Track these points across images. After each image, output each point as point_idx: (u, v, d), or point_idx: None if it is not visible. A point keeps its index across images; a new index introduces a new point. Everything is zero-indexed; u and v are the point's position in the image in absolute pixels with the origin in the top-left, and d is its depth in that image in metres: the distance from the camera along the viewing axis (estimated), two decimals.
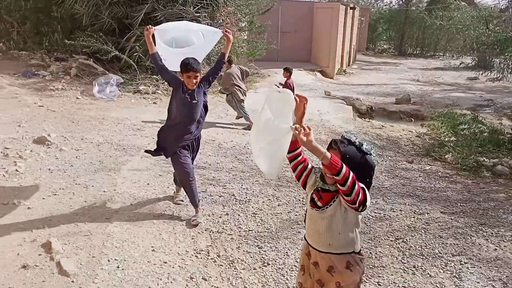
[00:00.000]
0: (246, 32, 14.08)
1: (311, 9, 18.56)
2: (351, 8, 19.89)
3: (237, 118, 8.48)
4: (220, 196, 5.10)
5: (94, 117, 7.75)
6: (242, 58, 13.92)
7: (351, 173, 2.14)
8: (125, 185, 5.17)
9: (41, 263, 3.54)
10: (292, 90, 8.65)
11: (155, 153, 4.52)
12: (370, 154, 2.31)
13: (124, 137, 6.89)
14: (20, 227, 4.05)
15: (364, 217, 4.82)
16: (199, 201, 4.51)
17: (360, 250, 2.47)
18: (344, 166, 2.13)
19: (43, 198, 4.63)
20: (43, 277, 3.38)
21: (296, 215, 4.80)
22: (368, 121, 10.19)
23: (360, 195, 2.18)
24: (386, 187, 5.79)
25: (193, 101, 4.21)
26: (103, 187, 5.04)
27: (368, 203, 2.25)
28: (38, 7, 12.01)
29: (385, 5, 34.87)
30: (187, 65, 4.04)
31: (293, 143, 2.36)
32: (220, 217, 4.62)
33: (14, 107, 7.76)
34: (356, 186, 2.16)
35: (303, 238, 2.57)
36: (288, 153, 2.38)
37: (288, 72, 8.76)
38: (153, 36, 4.39)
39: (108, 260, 3.65)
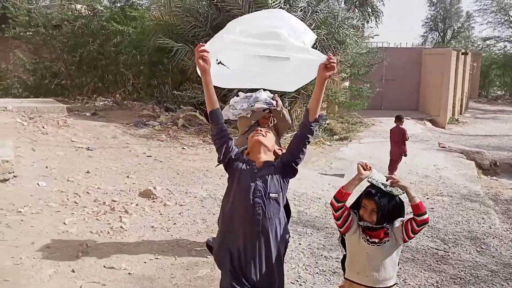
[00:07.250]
0: (348, 79, 13.61)
1: (419, 56, 17.65)
2: (462, 53, 18.58)
3: None
4: (334, 272, 4.44)
5: (198, 169, 7.64)
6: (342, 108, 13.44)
7: None
8: None
9: None
10: (404, 138, 8.07)
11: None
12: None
13: None
14: None
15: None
16: None
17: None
18: None
19: (145, 262, 4.37)
20: None
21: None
22: (496, 180, 8.87)
23: None
24: None
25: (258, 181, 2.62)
26: (206, 252, 4.66)
27: None
28: (153, 60, 12.76)
29: (498, 50, 32.41)
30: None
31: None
32: None
33: (124, 157, 7.96)
34: None
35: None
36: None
37: (400, 120, 8.21)
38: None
39: None
